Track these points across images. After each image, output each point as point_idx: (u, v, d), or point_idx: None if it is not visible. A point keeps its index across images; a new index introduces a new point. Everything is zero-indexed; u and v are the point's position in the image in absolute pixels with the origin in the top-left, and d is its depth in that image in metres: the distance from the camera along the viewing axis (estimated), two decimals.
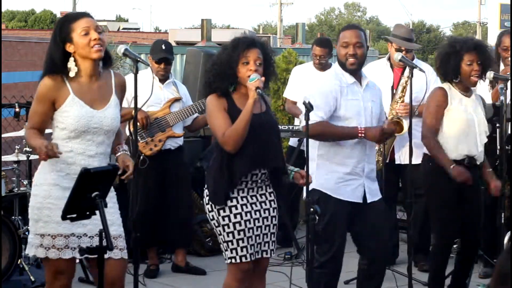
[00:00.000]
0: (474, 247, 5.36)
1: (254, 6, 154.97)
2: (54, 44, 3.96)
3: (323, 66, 7.14)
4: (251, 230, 4.34)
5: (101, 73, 4.02)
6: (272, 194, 4.47)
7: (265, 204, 4.42)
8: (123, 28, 45.08)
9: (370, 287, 4.91)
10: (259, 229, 4.37)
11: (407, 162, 5.22)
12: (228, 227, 4.31)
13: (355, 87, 4.76)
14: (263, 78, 4.26)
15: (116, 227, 4.02)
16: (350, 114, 4.70)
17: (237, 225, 4.30)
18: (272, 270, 6.38)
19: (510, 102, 5.56)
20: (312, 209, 4.28)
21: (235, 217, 4.31)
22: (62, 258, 3.89)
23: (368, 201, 4.77)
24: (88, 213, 3.51)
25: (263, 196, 4.42)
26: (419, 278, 5.97)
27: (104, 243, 3.39)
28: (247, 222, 4.32)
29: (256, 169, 4.33)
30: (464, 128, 5.16)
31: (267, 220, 4.42)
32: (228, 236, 4.32)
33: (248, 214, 4.33)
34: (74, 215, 3.49)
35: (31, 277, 5.79)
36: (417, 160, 5.93)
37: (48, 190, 3.92)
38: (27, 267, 5.84)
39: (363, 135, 4.65)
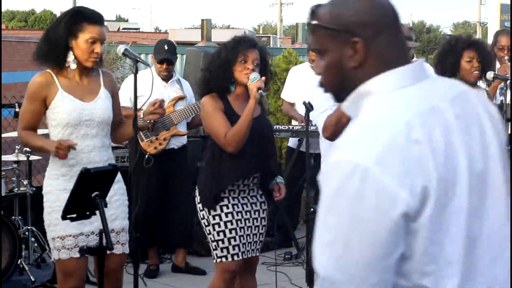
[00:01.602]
0: None
1: (254, 6, 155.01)
2: (62, 31, 3.93)
3: None
4: (242, 230, 4.34)
5: (89, 70, 4.05)
6: (263, 196, 4.48)
7: (256, 206, 4.43)
8: (123, 28, 45.12)
9: None
10: (249, 229, 4.39)
11: None
12: (219, 226, 4.31)
13: None
14: (263, 78, 4.25)
15: (120, 221, 4.06)
16: None
17: (228, 224, 4.30)
18: (272, 270, 6.38)
19: (510, 102, 5.56)
20: (312, 209, 4.28)
21: (226, 216, 4.30)
22: (73, 257, 3.92)
23: None
24: (88, 213, 3.52)
25: (254, 198, 4.43)
26: None
27: (104, 243, 3.40)
28: (238, 222, 4.32)
29: (253, 173, 4.34)
30: None
31: (257, 221, 4.44)
32: (218, 235, 4.31)
33: (239, 214, 4.34)
34: (74, 215, 3.50)
35: (31, 277, 5.79)
36: None
37: (56, 194, 3.97)
38: (27, 267, 5.83)
39: None
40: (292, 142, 7.30)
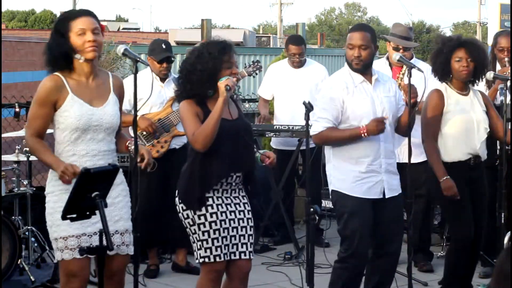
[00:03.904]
0: (478, 246, 5.34)
1: (254, 6, 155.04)
2: (54, 40, 3.98)
3: (301, 63, 7.17)
4: (226, 230, 4.36)
5: (99, 72, 4.05)
6: (245, 198, 4.51)
7: (240, 206, 4.45)
8: (123, 28, 45.17)
9: (376, 281, 4.94)
10: (234, 229, 4.40)
11: (406, 160, 5.20)
12: (204, 226, 4.33)
13: (364, 85, 4.80)
14: (234, 79, 4.36)
15: (123, 222, 4.07)
16: (360, 113, 4.72)
17: (213, 224, 4.33)
18: (272, 270, 6.39)
19: (510, 102, 5.56)
20: (312, 209, 4.28)
21: (211, 216, 4.33)
22: (75, 258, 3.91)
23: (387, 196, 4.79)
24: (88, 213, 3.52)
25: (237, 199, 4.45)
26: (419, 278, 5.97)
27: (105, 243, 3.40)
28: (222, 222, 4.35)
29: (232, 172, 4.37)
30: (463, 129, 5.17)
31: (243, 222, 4.44)
32: (203, 235, 4.34)
33: (224, 214, 4.36)
34: (74, 215, 3.50)
35: (31, 277, 5.79)
36: (416, 159, 5.92)
37: (58, 195, 3.95)
38: (27, 267, 5.84)
39: (365, 134, 4.67)
40: (274, 142, 7.29)
